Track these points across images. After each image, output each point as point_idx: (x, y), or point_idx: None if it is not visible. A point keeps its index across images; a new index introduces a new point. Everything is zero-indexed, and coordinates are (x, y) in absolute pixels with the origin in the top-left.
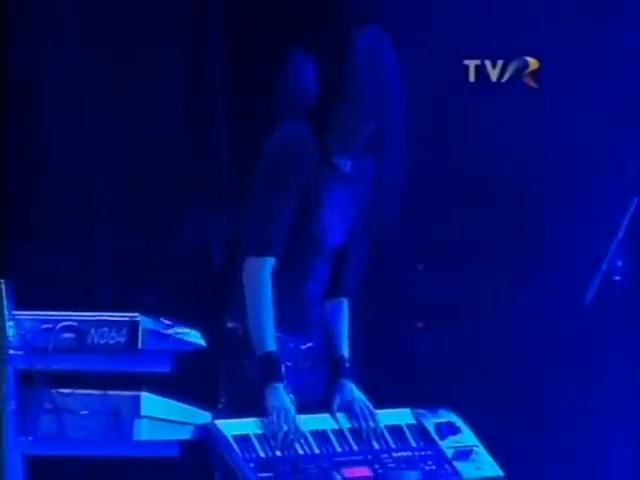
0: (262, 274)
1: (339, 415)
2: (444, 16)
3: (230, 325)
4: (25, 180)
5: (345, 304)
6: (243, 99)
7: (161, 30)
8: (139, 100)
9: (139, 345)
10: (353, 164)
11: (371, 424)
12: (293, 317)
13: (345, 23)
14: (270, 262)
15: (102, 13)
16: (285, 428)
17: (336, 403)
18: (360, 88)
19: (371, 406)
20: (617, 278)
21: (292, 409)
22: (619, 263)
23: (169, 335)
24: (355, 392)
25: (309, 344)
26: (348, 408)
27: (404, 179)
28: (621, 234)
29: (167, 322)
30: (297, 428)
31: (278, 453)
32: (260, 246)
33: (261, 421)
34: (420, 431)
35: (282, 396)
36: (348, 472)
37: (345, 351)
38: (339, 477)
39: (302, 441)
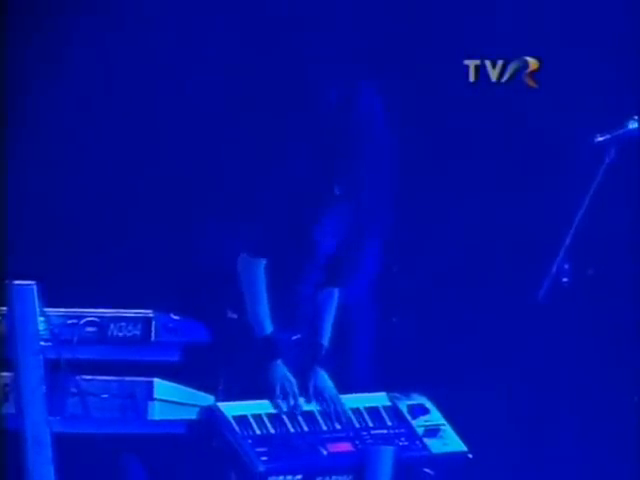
0: (256, 270)
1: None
2: (444, 16)
3: (230, 317)
4: (52, 187)
5: (336, 294)
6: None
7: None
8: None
9: (152, 337)
10: (347, 186)
11: (338, 408)
12: (286, 313)
13: (351, 82)
14: (261, 261)
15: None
16: (290, 398)
17: (310, 388)
18: (358, 134)
19: (337, 393)
20: (565, 280)
21: (293, 379)
22: (566, 266)
23: (177, 329)
24: (326, 380)
25: (298, 335)
26: (319, 394)
27: (391, 197)
28: (568, 240)
29: (176, 317)
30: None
31: (272, 431)
32: (252, 247)
33: (257, 403)
34: (394, 412)
35: (283, 369)
36: (333, 447)
37: (325, 340)
38: (325, 452)
39: (293, 421)
